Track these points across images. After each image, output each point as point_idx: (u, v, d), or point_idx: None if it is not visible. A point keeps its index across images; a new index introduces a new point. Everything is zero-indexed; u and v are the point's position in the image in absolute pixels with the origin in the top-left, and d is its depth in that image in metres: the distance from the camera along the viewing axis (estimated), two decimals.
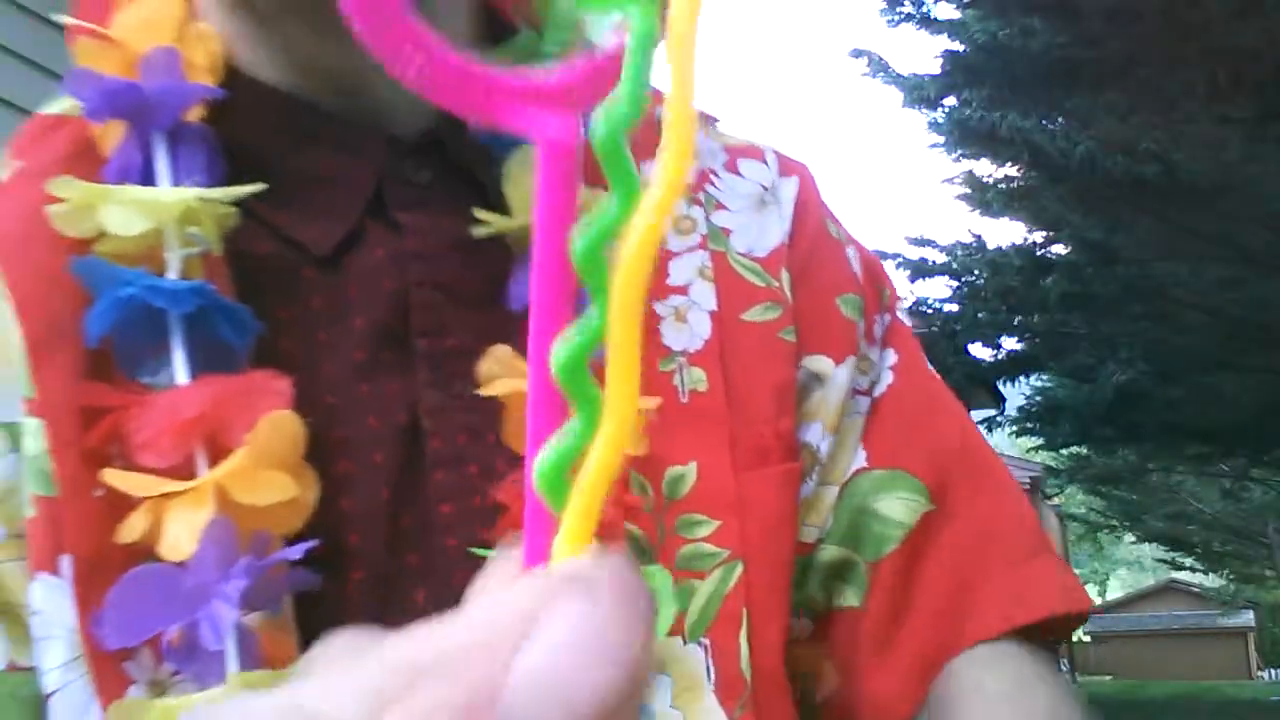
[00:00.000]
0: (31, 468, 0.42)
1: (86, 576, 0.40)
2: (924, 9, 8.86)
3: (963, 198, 11.12)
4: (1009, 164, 9.76)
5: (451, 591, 0.44)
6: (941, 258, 12.22)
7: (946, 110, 9.58)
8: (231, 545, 0.39)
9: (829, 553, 0.52)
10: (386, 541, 0.45)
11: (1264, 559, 26.11)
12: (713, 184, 0.54)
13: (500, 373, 0.44)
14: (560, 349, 0.21)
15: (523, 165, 0.47)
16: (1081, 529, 32.74)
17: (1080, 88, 7.52)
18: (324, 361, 0.46)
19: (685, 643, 0.45)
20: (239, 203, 0.44)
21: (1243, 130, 7.29)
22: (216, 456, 0.40)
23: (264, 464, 0.39)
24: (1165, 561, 32.98)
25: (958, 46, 8.60)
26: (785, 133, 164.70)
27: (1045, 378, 15.49)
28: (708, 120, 0.57)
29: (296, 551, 0.40)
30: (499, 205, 0.47)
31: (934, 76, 9.13)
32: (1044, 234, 11.13)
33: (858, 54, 9.96)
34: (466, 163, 0.49)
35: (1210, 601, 37.56)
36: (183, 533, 0.39)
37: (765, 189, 0.55)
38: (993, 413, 19.02)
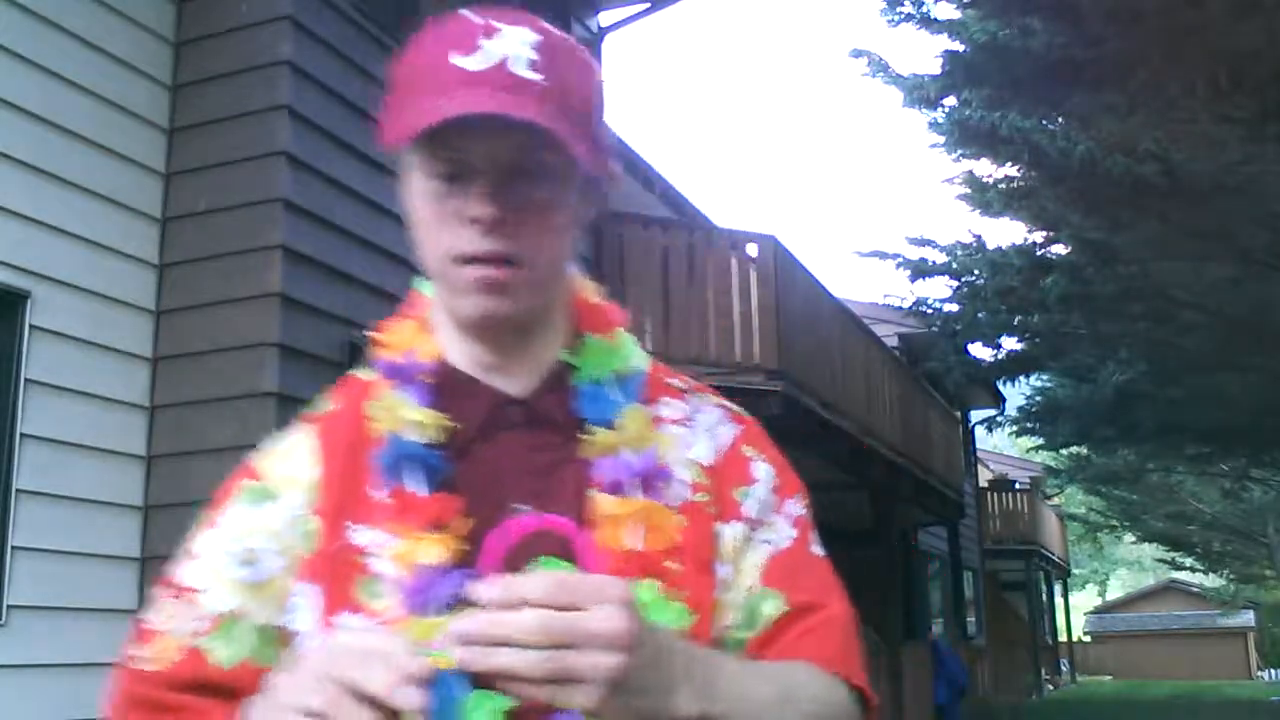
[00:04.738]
0: (304, 536, 0.95)
1: (327, 589, 0.93)
2: (924, 9, 8.85)
3: (963, 198, 11.09)
4: (1009, 164, 9.74)
5: None
6: (941, 258, 12.21)
7: (946, 110, 9.56)
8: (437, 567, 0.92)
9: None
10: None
11: (1264, 559, 26.05)
12: (693, 420, 1.04)
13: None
14: None
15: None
16: (1081, 529, 32.74)
17: (1080, 88, 7.51)
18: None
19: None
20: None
21: (1243, 130, 7.28)
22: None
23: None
24: (1165, 561, 32.91)
25: (958, 46, 8.59)
26: (785, 132, 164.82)
27: (1045, 378, 15.53)
28: (710, 392, 1.08)
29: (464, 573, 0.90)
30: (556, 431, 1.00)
31: (934, 76, 9.11)
32: (1044, 234, 11.12)
33: (858, 54, 9.95)
34: (538, 413, 1.00)
35: (1210, 601, 37.54)
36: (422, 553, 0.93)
37: (712, 429, 1.05)
38: (993, 413, 19.07)
